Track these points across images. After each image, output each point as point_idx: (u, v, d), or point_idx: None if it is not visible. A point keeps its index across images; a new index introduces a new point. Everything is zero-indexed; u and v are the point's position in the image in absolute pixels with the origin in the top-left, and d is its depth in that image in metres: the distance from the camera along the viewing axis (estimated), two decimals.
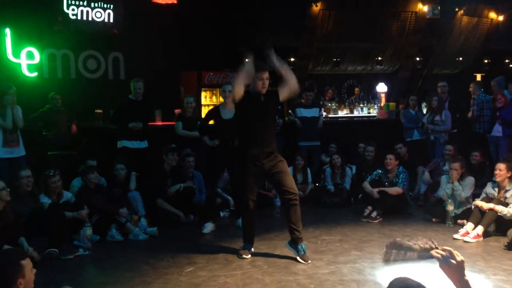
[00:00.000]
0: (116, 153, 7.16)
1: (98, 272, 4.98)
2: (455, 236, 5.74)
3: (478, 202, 5.87)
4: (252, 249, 5.25)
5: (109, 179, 6.68)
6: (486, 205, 5.77)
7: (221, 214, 7.06)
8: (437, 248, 2.01)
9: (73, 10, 9.20)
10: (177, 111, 8.52)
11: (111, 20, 9.53)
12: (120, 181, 6.63)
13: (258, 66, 4.90)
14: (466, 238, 5.64)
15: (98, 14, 9.44)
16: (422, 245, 4.94)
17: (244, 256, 5.14)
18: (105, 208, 6.01)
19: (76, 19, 9.24)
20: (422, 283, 1.86)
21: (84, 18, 9.32)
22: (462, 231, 5.78)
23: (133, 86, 7.29)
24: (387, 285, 1.88)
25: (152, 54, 9.70)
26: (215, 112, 6.80)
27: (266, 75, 4.91)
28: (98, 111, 8.82)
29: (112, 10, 9.52)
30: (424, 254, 4.86)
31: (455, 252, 1.87)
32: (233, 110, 6.18)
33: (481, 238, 5.66)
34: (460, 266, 1.85)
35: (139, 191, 6.69)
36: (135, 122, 7.18)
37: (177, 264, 4.97)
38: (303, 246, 5.04)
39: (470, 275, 4.49)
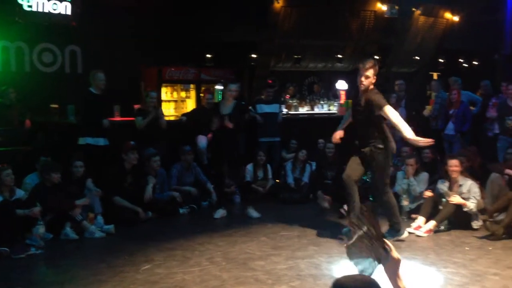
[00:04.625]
0: (71, 149, 6.98)
1: (51, 271, 4.86)
2: (408, 230, 5.89)
3: (452, 198, 5.94)
4: None
5: (64, 176, 6.49)
6: (456, 200, 5.89)
7: (181, 211, 7.01)
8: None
9: (27, 1, 8.89)
10: (136, 106, 8.39)
11: (68, 12, 9.27)
12: (77, 178, 6.47)
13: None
14: (418, 232, 5.80)
15: (55, 6, 9.16)
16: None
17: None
18: (61, 206, 5.85)
19: (31, 10, 8.94)
20: (374, 278, 1.88)
21: (40, 9, 9.03)
22: (414, 225, 5.95)
23: (96, 78, 7.09)
24: (338, 283, 1.79)
25: (111, 48, 9.49)
26: (216, 107, 6.91)
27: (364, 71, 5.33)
28: (53, 106, 8.57)
29: (70, 2, 9.26)
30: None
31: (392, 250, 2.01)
32: (231, 106, 6.59)
33: (432, 233, 5.83)
34: (397, 264, 1.99)
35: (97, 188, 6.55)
36: (99, 117, 7.04)
37: (133, 262, 4.90)
38: None
39: (421, 267, 4.65)
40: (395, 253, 2.00)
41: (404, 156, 7.35)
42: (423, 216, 6.00)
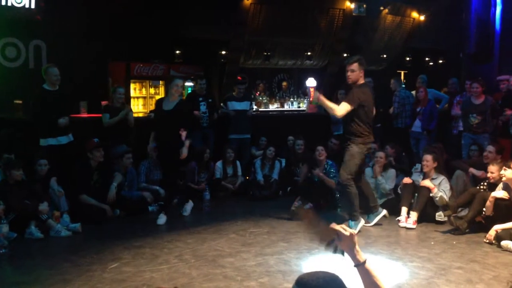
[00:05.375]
0: (36, 146, 6.80)
1: (15, 271, 4.73)
2: (401, 224, 6.02)
3: (422, 182, 6.16)
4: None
5: (28, 174, 6.33)
6: (426, 183, 6.09)
7: (150, 209, 6.94)
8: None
9: None
10: (104, 102, 8.24)
11: (33, 6, 9.02)
12: (41, 176, 6.32)
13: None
14: (407, 225, 5.97)
15: None
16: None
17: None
18: (25, 206, 5.70)
19: None
20: (336, 273, 1.89)
21: (3, 3, 8.76)
22: (402, 218, 6.10)
23: (49, 73, 6.70)
24: (301, 281, 1.79)
25: (77, 43, 9.28)
26: (159, 103, 6.62)
27: (348, 66, 5.54)
28: (17, 101, 8.33)
29: None
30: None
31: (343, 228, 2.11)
32: (175, 102, 6.30)
33: (416, 224, 5.99)
34: (351, 239, 2.08)
35: (61, 186, 6.42)
36: (56, 115, 6.70)
37: (101, 261, 4.83)
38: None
39: (387, 262, 4.73)
40: (346, 232, 2.08)
41: (372, 152, 7.47)
42: (405, 206, 6.20)
